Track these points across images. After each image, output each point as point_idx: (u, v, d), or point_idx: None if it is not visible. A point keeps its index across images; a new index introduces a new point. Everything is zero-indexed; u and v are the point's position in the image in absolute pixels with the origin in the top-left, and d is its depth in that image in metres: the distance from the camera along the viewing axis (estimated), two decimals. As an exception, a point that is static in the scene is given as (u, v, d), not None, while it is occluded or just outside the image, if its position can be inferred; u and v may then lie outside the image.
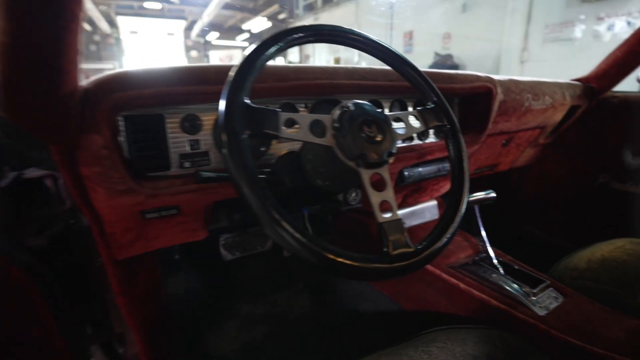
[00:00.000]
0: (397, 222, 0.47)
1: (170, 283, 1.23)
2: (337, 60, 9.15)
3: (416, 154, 0.89)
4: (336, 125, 0.48)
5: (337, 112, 0.50)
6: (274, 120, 0.44)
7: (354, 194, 0.87)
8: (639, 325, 0.67)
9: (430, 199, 1.11)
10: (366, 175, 0.49)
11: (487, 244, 0.88)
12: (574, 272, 0.90)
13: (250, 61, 0.45)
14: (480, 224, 0.89)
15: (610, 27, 3.95)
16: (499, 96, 0.99)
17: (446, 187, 1.11)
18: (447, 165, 1.06)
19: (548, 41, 4.67)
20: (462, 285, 0.82)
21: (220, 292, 1.24)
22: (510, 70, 5.04)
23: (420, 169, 0.98)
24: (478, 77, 0.93)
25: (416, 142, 0.92)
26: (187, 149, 0.63)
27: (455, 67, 5.85)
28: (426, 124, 0.57)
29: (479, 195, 0.87)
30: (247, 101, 0.43)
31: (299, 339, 1.06)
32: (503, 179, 1.69)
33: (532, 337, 0.69)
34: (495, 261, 0.86)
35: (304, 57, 10.65)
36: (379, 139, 0.49)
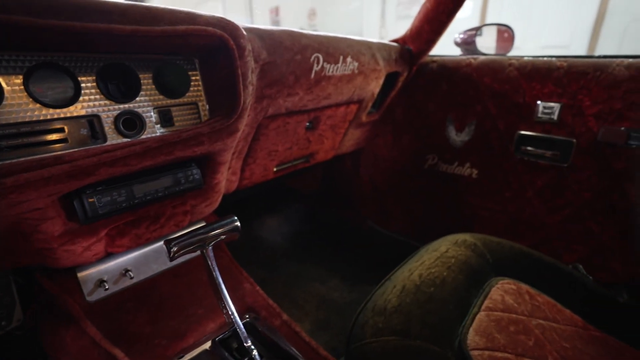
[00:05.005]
0: None
1: None
2: None
3: (94, 162, 0.44)
4: None
5: None
6: None
7: None
8: None
9: (179, 230, 0.69)
10: None
11: (232, 313, 0.50)
12: (378, 320, 0.60)
13: None
14: (218, 279, 0.50)
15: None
16: (258, 55, 0.61)
17: (211, 204, 0.71)
18: (196, 171, 0.64)
19: (401, 18, 4.83)
20: None
21: None
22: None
23: (135, 186, 0.55)
24: (194, 18, 0.50)
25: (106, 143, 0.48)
26: None
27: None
28: None
29: (204, 232, 0.48)
30: None
31: None
32: (336, 167, 1.40)
33: None
34: (249, 342, 0.49)
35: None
36: None
